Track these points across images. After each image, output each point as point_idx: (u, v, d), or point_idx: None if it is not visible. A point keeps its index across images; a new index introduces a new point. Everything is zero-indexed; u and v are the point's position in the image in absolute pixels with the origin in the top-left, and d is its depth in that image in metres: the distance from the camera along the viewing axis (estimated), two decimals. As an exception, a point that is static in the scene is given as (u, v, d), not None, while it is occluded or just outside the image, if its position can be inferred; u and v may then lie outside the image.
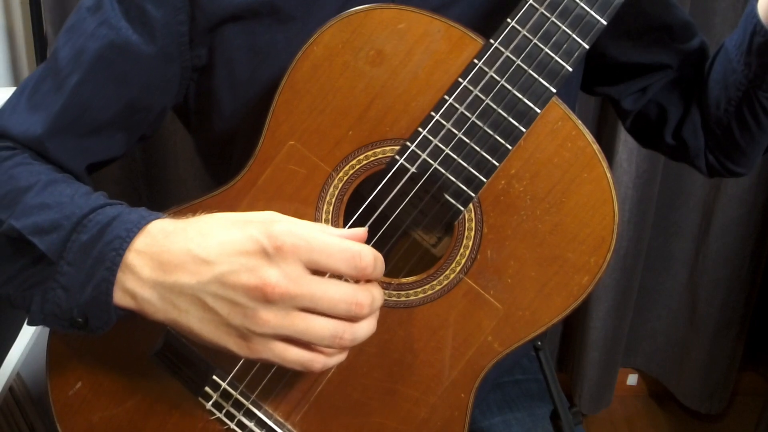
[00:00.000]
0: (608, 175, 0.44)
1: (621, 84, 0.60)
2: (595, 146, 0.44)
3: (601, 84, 0.61)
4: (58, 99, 0.49)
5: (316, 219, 0.47)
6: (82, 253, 0.41)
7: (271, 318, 0.38)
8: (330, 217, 0.47)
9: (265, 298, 0.38)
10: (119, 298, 0.41)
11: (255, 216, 0.40)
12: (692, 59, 0.59)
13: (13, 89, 0.51)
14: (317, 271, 0.39)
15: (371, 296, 0.39)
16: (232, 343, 0.39)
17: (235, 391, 0.48)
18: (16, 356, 0.85)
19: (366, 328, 0.40)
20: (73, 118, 0.49)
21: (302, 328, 0.38)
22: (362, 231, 0.40)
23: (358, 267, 0.38)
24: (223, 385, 0.48)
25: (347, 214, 0.47)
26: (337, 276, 0.39)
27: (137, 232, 0.41)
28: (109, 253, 0.41)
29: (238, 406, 0.48)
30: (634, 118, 0.62)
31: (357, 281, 0.40)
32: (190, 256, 0.39)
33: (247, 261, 0.38)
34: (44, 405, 0.50)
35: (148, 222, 0.41)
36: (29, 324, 0.43)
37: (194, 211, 0.43)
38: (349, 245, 0.38)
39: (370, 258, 0.39)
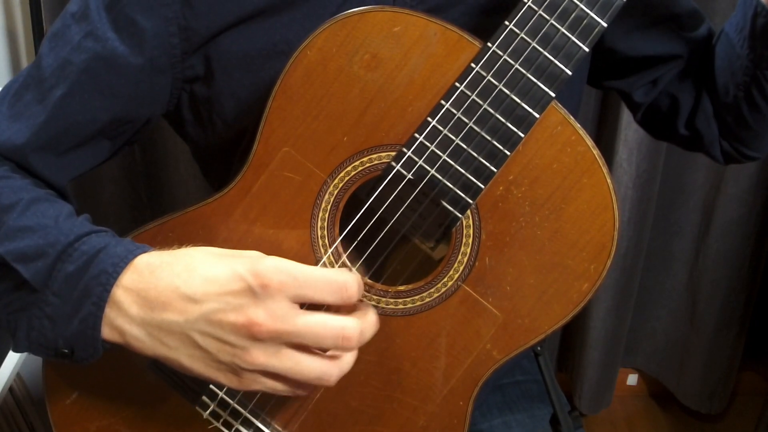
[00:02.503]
0: (608, 180, 0.43)
1: (631, 77, 0.59)
2: (595, 151, 0.43)
3: (611, 78, 0.60)
4: (41, 111, 0.48)
5: (311, 226, 0.46)
6: (68, 284, 0.41)
7: (260, 356, 0.38)
8: (326, 224, 0.46)
9: (253, 336, 0.38)
10: (107, 333, 0.41)
11: (242, 252, 0.40)
12: (701, 47, 0.58)
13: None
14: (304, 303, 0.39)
15: (359, 330, 0.39)
16: (223, 378, 0.40)
17: (233, 400, 0.48)
18: (16, 356, 0.85)
19: (352, 359, 0.41)
20: (57, 133, 0.48)
21: (290, 367, 0.39)
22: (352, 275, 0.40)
23: (344, 297, 0.39)
24: (221, 394, 0.48)
25: (343, 221, 0.46)
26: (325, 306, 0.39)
27: (124, 267, 0.40)
28: (95, 288, 0.40)
29: (235, 415, 0.48)
30: (645, 111, 0.61)
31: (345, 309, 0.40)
32: (176, 293, 0.39)
33: (233, 299, 0.38)
34: (44, 405, 0.50)
35: (134, 257, 0.41)
36: (14, 350, 0.43)
37: (185, 221, 0.43)
38: (334, 276, 0.39)
39: (356, 287, 0.39)
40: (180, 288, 0.39)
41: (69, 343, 0.41)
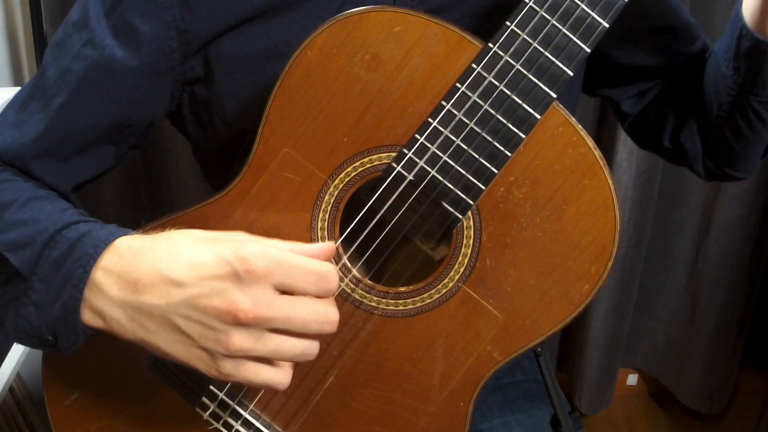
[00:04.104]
0: (610, 182, 0.43)
1: (621, 87, 0.59)
2: (597, 152, 0.43)
3: (602, 86, 0.61)
4: (42, 119, 0.48)
5: (311, 227, 0.46)
6: (53, 269, 0.41)
7: (244, 341, 0.38)
8: (326, 225, 0.46)
9: (238, 321, 0.38)
10: (88, 317, 0.41)
11: (225, 235, 0.40)
12: (693, 63, 0.58)
13: (13, 89, 0.51)
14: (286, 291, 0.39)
15: (337, 312, 0.40)
16: (202, 365, 0.39)
17: (233, 400, 0.48)
18: (16, 356, 0.85)
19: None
20: (58, 140, 0.49)
21: (273, 348, 0.39)
22: (331, 246, 0.41)
23: (323, 289, 0.39)
24: (220, 395, 0.47)
25: (343, 222, 0.46)
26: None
27: (104, 248, 0.40)
28: (76, 270, 0.40)
29: (235, 416, 0.48)
30: (632, 121, 0.61)
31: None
32: (159, 276, 0.39)
33: (218, 284, 0.38)
34: (44, 405, 0.51)
35: (115, 238, 0.41)
36: (4, 341, 0.43)
37: (184, 222, 0.43)
38: (316, 267, 0.39)
39: (336, 279, 0.40)
40: (162, 271, 0.38)
41: (52, 329, 0.41)
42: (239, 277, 0.37)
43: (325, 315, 0.39)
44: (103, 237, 0.41)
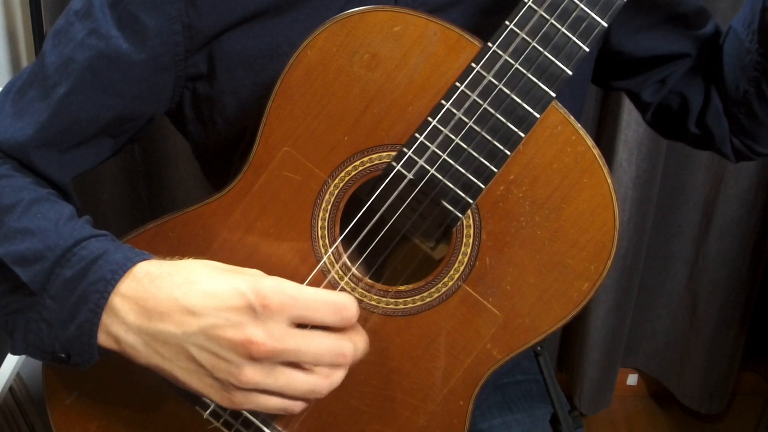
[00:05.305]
0: (609, 180, 0.43)
1: (639, 76, 0.59)
2: (596, 151, 0.44)
3: (619, 78, 0.60)
4: (44, 109, 0.48)
5: (311, 226, 0.46)
6: (66, 289, 0.41)
7: (255, 375, 0.39)
8: (326, 224, 0.46)
9: (250, 355, 0.38)
10: (103, 339, 0.41)
11: (244, 269, 0.41)
12: (709, 45, 0.58)
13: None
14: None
15: (353, 346, 0.40)
16: (214, 394, 0.40)
17: (232, 399, 0.48)
18: (16, 356, 0.85)
19: (342, 375, 0.41)
20: (60, 131, 0.48)
21: (283, 383, 0.39)
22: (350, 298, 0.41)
23: (344, 318, 0.40)
24: (220, 394, 0.48)
25: (343, 221, 0.46)
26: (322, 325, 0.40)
27: (122, 275, 0.40)
28: (93, 295, 0.40)
29: (235, 415, 0.48)
30: (655, 110, 0.61)
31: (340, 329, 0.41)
32: (176, 305, 0.39)
33: (233, 316, 0.38)
34: (44, 405, 0.51)
35: (133, 264, 0.41)
36: (12, 353, 0.43)
37: (185, 221, 0.43)
38: (333, 298, 0.40)
39: (355, 308, 0.40)
40: (179, 300, 0.39)
41: (65, 348, 0.41)
42: (254, 310, 0.38)
43: (339, 348, 0.39)
44: (120, 261, 0.41)
